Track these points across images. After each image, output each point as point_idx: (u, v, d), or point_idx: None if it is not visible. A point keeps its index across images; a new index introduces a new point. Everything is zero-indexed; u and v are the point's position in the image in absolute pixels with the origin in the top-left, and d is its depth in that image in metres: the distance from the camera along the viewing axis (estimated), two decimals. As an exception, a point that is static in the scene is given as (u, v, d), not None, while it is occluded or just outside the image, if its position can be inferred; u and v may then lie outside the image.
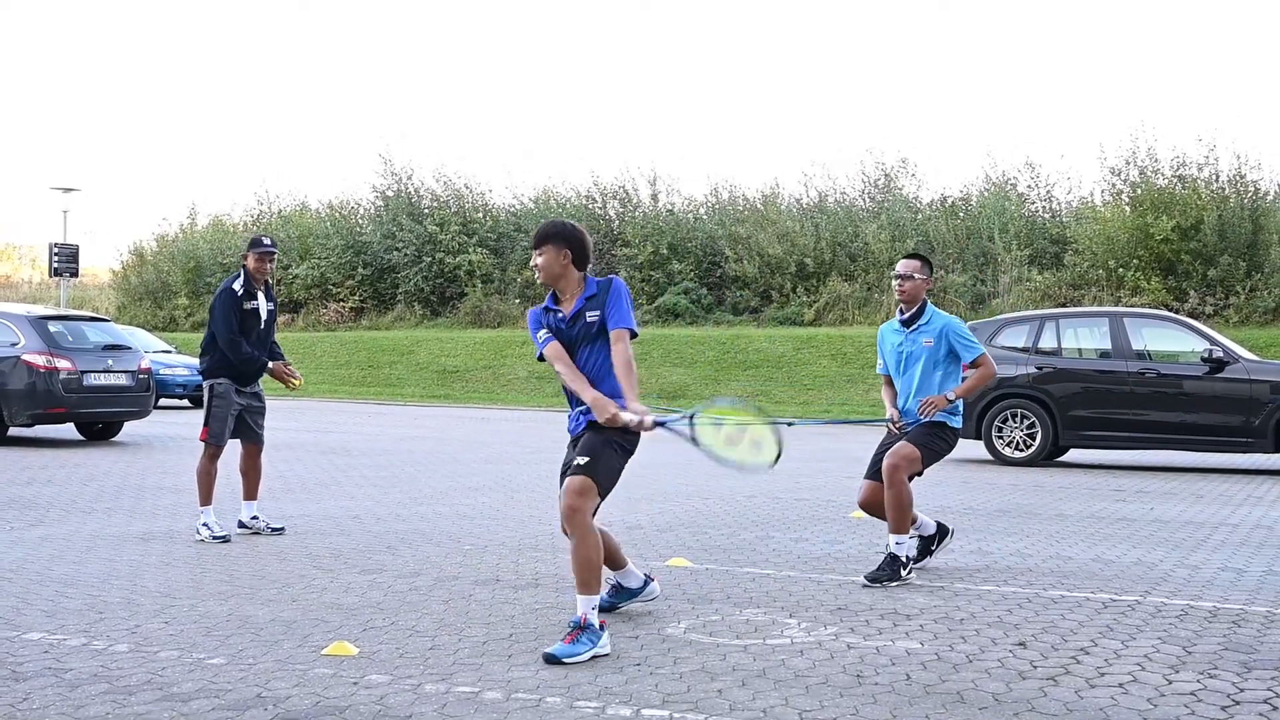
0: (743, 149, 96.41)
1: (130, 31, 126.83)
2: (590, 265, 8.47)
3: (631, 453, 8.51)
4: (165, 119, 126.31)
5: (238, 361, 12.39)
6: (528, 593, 9.67)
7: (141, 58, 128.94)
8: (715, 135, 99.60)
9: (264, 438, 12.91)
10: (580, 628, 7.76)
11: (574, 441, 8.62)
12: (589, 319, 8.30)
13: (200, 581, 9.98)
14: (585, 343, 8.35)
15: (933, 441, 10.64)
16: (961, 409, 10.85)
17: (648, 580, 9.17)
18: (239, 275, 12.64)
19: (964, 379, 10.76)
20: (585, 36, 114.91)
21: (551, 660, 7.55)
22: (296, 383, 12.99)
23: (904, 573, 10.31)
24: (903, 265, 10.90)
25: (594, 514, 8.18)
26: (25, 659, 7.43)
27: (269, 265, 12.74)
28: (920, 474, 10.76)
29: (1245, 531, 13.55)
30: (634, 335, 8.35)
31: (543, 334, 8.40)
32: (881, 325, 11.21)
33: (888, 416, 10.90)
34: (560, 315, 8.37)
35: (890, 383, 11.05)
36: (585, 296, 8.34)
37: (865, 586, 10.14)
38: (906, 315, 10.86)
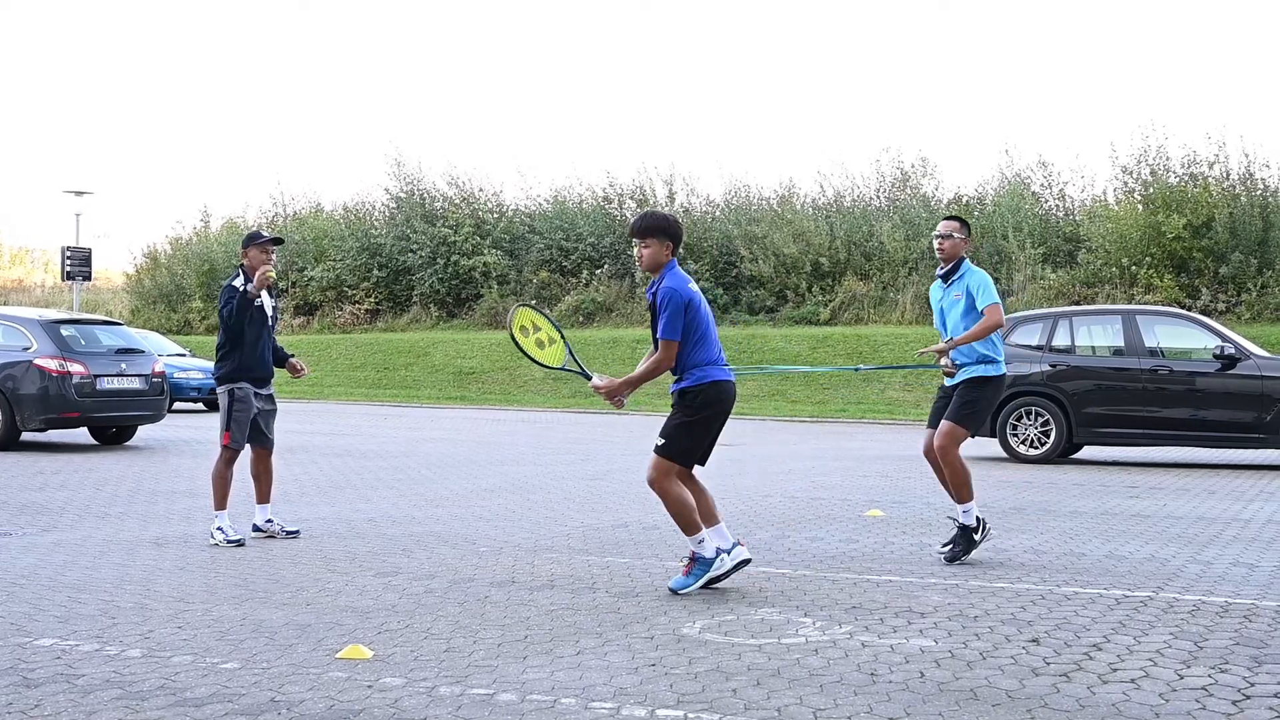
0: (759, 149, 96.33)
1: (142, 34, 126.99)
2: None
3: (704, 414, 9.69)
4: (178, 121, 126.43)
5: (228, 313, 12.35)
6: (543, 594, 9.67)
7: (153, 60, 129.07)
8: (731, 135, 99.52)
9: (274, 440, 12.93)
10: (693, 560, 9.62)
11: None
12: (649, 297, 9.76)
13: (214, 586, 10.00)
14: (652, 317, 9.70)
15: (971, 406, 11.28)
16: (1000, 356, 11.45)
17: (736, 544, 9.91)
18: (238, 274, 12.65)
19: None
20: (601, 37, 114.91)
21: (672, 591, 9.50)
22: (303, 372, 13.09)
23: (978, 538, 11.20)
24: (943, 226, 11.62)
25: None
26: (37, 665, 7.44)
27: (268, 257, 12.70)
28: (974, 435, 11.82)
29: (1257, 527, 13.54)
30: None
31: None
32: (931, 284, 11.93)
33: (942, 364, 11.53)
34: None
35: (940, 335, 11.80)
36: (655, 281, 9.67)
37: (947, 563, 11.07)
38: (944, 270, 11.61)
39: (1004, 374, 11.52)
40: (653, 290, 9.66)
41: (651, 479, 9.64)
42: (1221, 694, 6.86)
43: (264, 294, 12.63)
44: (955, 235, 11.51)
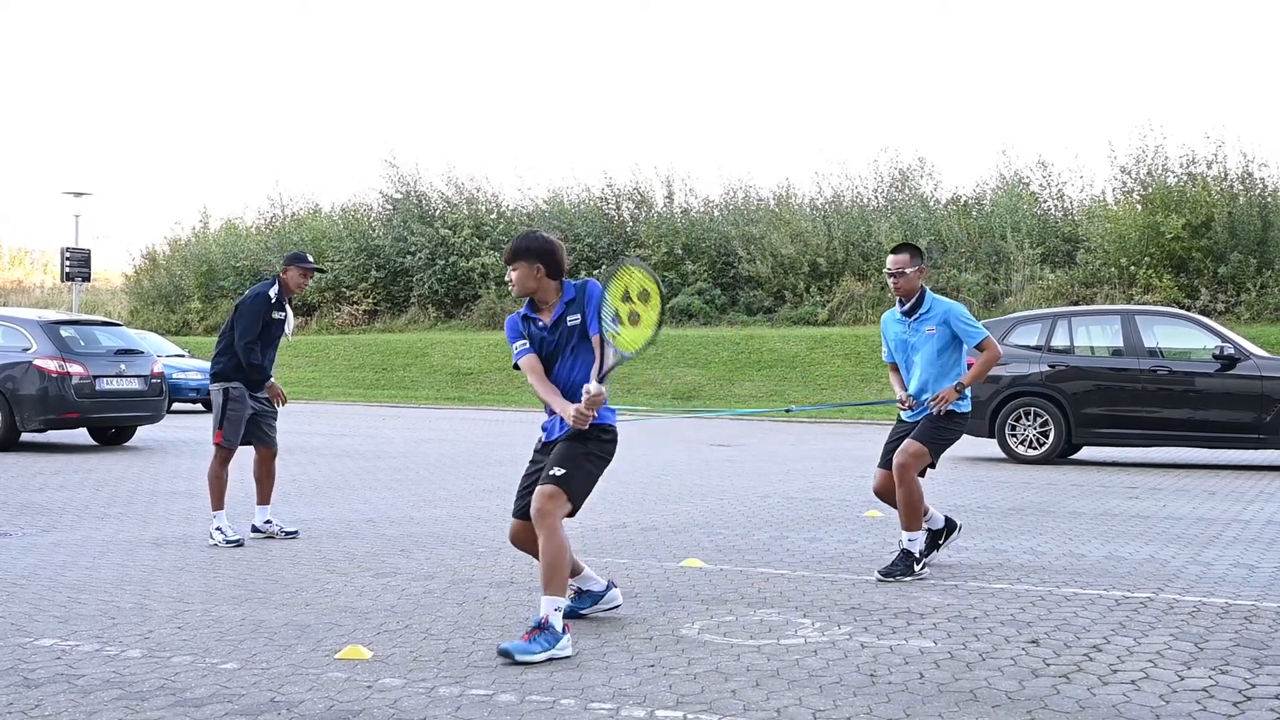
0: (757, 149, 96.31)
1: (140, 35, 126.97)
2: (564, 273, 8.52)
3: (607, 460, 8.45)
4: (176, 122, 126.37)
5: (246, 365, 12.42)
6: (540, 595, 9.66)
7: (151, 61, 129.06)
8: (730, 135, 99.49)
9: (277, 441, 12.93)
10: (540, 628, 7.75)
11: (546, 447, 8.51)
12: (570, 323, 8.38)
13: (213, 586, 10.00)
14: (569, 347, 8.40)
15: (939, 433, 10.71)
16: (969, 393, 10.92)
17: (610, 586, 9.03)
18: (274, 283, 12.67)
19: (970, 365, 10.91)
20: (600, 37, 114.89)
21: (505, 655, 7.60)
22: (280, 404, 13.03)
23: (917, 568, 10.45)
24: (891, 261, 10.85)
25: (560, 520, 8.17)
26: (37, 665, 7.45)
27: (308, 282, 12.81)
28: (933, 465, 10.87)
29: (1257, 528, 13.54)
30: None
31: (520, 344, 8.44)
32: (884, 314, 11.24)
33: (898, 398, 10.97)
34: (541, 324, 8.42)
35: (896, 369, 11.17)
36: (564, 301, 8.41)
37: (879, 582, 10.25)
38: (906, 306, 10.87)
39: (969, 414, 11.04)
40: (559, 315, 8.41)
41: (542, 511, 8.13)
42: (1222, 695, 6.86)
43: (287, 309, 12.70)
44: (908, 270, 10.74)
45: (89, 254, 51.59)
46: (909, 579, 10.34)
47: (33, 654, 7.73)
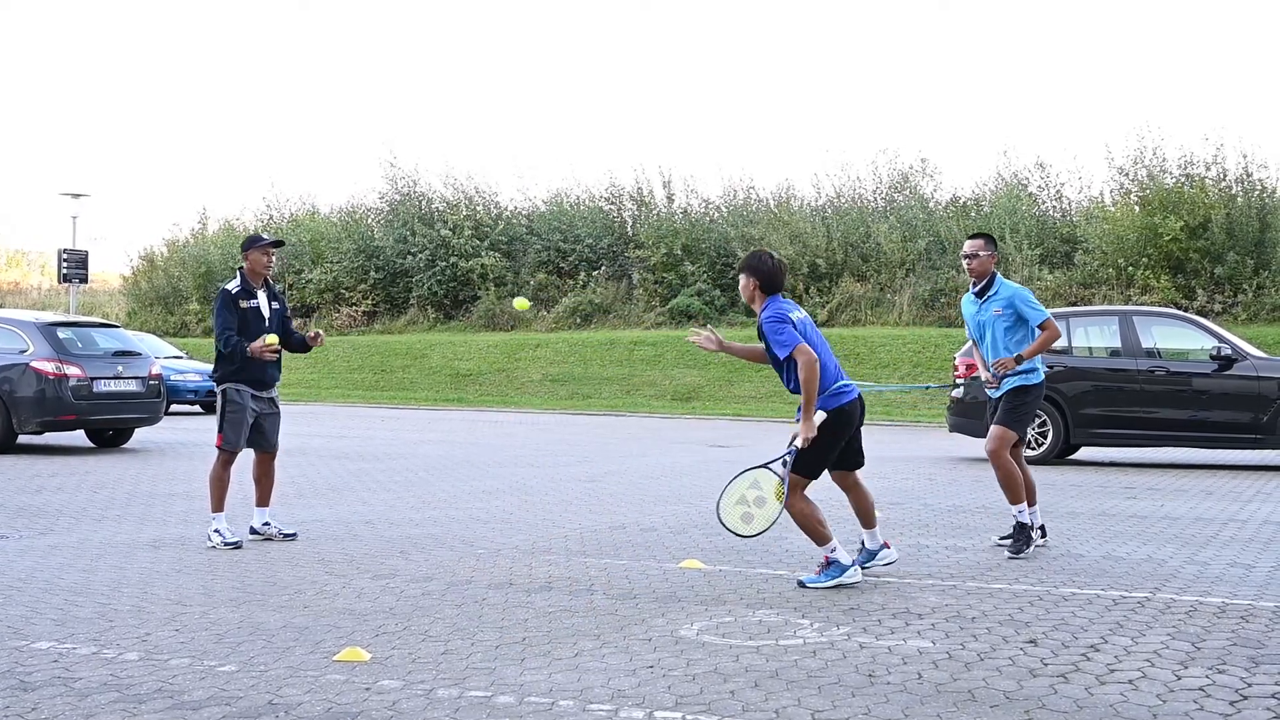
0: (758, 150, 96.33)
1: (137, 36, 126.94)
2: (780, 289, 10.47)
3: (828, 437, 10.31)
4: (174, 123, 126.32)
5: (225, 350, 12.39)
6: (541, 596, 9.67)
7: (149, 62, 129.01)
8: (730, 136, 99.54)
9: (278, 445, 12.92)
10: (824, 565, 10.14)
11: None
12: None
13: (212, 588, 10.00)
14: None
15: (1015, 411, 12.01)
16: (1039, 364, 12.24)
17: (884, 546, 10.70)
18: (234, 277, 12.70)
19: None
20: (600, 38, 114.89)
21: (801, 585, 10.04)
22: (272, 346, 12.81)
23: (1035, 535, 11.88)
24: (969, 245, 12.39)
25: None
26: (34, 668, 7.45)
27: (269, 259, 12.73)
28: (1022, 439, 12.22)
29: (1254, 528, 13.56)
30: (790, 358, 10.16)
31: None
32: (963, 296, 12.76)
33: (983, 378, 12.44)
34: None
35: (976, 346, 12.59)
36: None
37: (1010, 558, 11.45)
38: (978, 287, 12.37)
39: (1043, 380, 12.22)
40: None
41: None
42: (1219, 694, 6.88)
43: (260, 295, 12.64)
44: (982, 254, 12.23)
45: (86, 255, 51.54)
46: (1031, 549, 11.65)
47: (30, 657, 7.73)
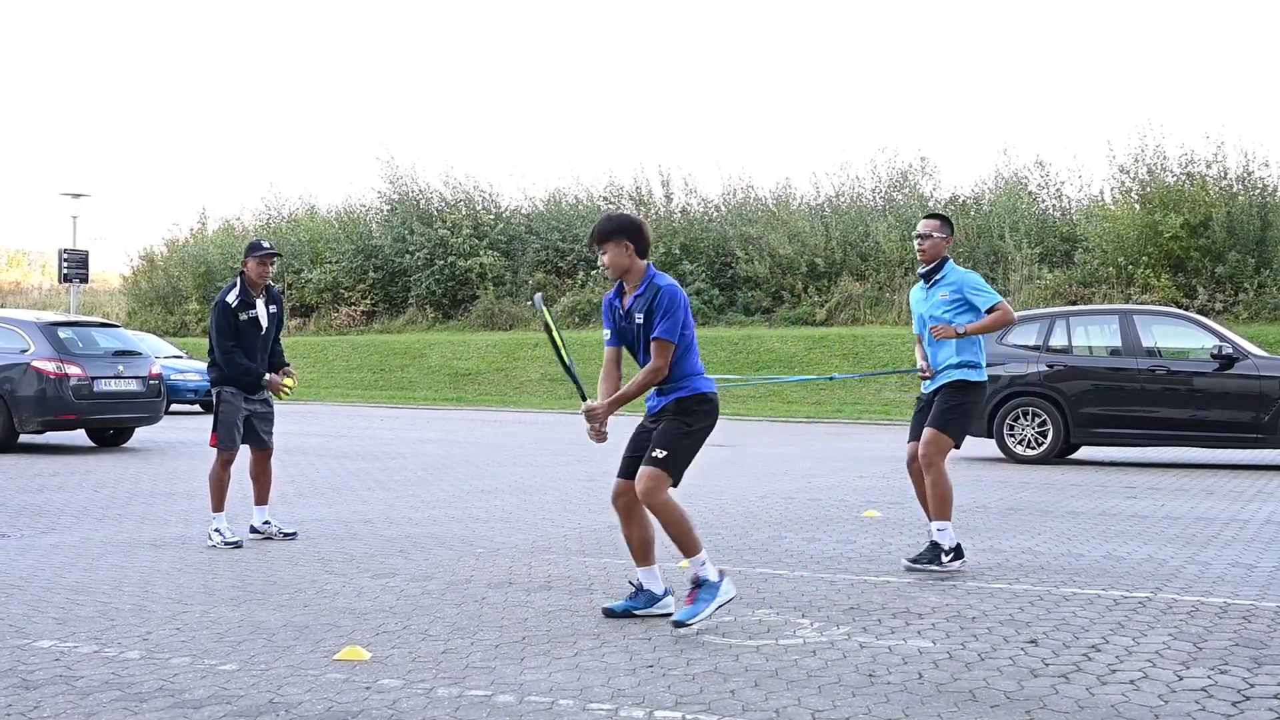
0: (757, 149, 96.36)
1: (137, 36, 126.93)
2: (648, 253, 8.96)
3: (709, 429, 8.96)
4: (174, 124, 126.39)
5: (234, 375, 12.41)
6: (540, 595, 9.67)
7: (150, 63, 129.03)
8: (729, 136, 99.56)
9: (273, 443, 12.91)
10: (696, 585, 8.62)
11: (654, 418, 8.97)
12: (637, 320, 8.81)
13: (212, 587, 9.99)
14: (641, 342, 8.90)
15: (952, 412, 10.76)
16: (983, 362, 10.96)
17: (667, 592, 9.04)
18: (235, 285, 12.62)
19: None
20: (599, 37, 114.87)
21: (679, 625, 8.45)
22: (288, 387, 12.86)
23: (945, 559, 10.64)
24: (923, 225, 11.13)
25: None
26: (36, 667, 7.44)
27: (269, 269, 12.71)
28: (957, 446, 10.94)
29: (1255, 527, 13.54)
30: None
31: (607, 333, 8.99)
32: (912, 288, 11.51)
33: (918, 367, 11.23)
34: (620, 312, 8.94)
35: (920, 341, 11.24)
36: (636, 295, 8.87)
37: (907, 569, 10.63)
38: (926, 270, 11.11)
39: (985, 382, 11.02)
40: (630, 306, 8.89)
41: (646, 491, 8.65)
42: (1221, 695, 6.87)
43: (259, 304, 12.62)
44: (935, 234, 11.02)
45: (87, 255, 51.58)
46: (936, 568, 10.59)
47: (31, 655, 7.72)
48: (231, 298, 12.50)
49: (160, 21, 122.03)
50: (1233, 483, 18.22)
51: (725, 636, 8.27)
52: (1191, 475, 19.36)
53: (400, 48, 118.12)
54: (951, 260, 11.15)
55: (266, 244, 12.77)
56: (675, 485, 8.76)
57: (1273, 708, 6.63)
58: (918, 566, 10.64)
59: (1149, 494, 16.65)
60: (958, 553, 10.78)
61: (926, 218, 11.21)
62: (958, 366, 10.81)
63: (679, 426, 8.76)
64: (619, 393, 8.85)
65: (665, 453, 8.66)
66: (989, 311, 10.81)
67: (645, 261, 8.90)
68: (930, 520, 10.81)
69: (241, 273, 12.70)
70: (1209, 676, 7.24)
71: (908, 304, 43.36)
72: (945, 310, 10.90)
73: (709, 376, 9.05)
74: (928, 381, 11.03)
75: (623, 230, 8.78)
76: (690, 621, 8.49)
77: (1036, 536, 12.80)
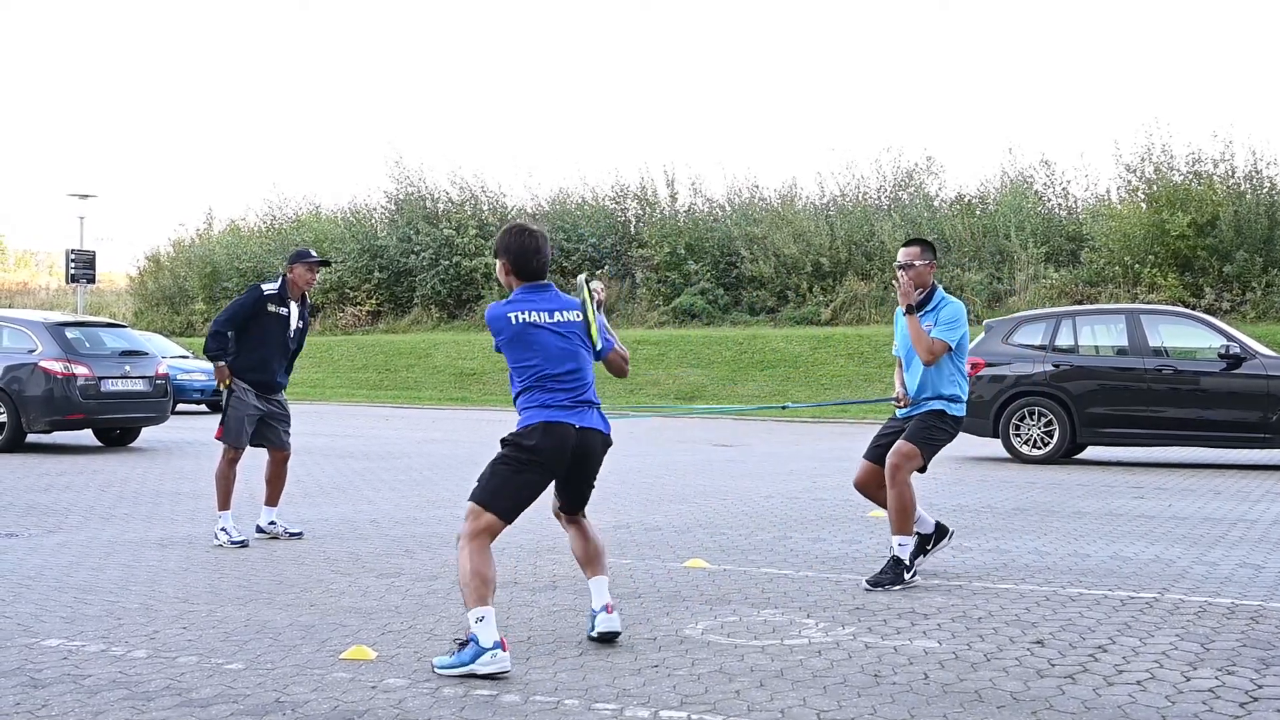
0: (762, 149, 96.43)
1: (144, 38, 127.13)
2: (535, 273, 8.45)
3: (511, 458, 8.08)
4: (180, 124, 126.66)
5: (207, 351, 12.48)
6: (545, 595, 9.68)
7: (156, 64, 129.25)
8: (734, 135, 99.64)
9: (290, 444, 12.92)
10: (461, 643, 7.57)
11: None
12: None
13: (218, 587, 10.00)
14: None
15: (931, 434, 10.34)
16: (965, 397, 10.53)
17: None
18: (278, 279, 12.70)
19: (968, 375, 10.69)
20: (604, 37, 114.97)
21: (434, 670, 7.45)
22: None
23: (907, 575, 10.14)
24: (903, 254, 10.54)
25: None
26: (44, 665, 7.46)
27: (313, 276, 12.74)
28: (923, 469, 10.51)
29: (1263, 527, 13.52)
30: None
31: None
32: (896, 309, 10.87)
33: (895, 394, 10.74)
34: None
35: (900, 364, 10.78)
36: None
37: (867, 590, 9.97)
38: (918, 299, 10.51)
39: (963, 418, 10.57)
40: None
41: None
42: (1228, 696, 6.86)
43: (292, 306, 12.66)
44: (918, 263, 10.45)
45: (94, 256, 51.67)
46: (898, 588, 10.01)
47: (39, 654, 7.73)
48: (269, 288, 12.53)
49: (166, 22, 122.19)
50: (1240, 483, 18.20)
51: (730, 636, 8.27)
52: (1198, 475, 19.34)
53: (406, 48, 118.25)
54: (941, 288, 10.60)
55: (315, 253, 12.82)
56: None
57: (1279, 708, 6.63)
58: (879, 589, 10.00)
59: (1156, 494, 16.63)
60: (913, 568, 10.31)
61: (906, 245, 10.64)
62: (941, 398, 10.43)
63: None
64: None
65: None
66: (935, 338, 10.27)
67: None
68: (891, 535, 10.29)
69: (285, 275, 12.72)
70: (1216, 677, 7.24)
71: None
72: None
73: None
74: (902, 409, 10.59)
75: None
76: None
77: (1043, 537, 12.80)
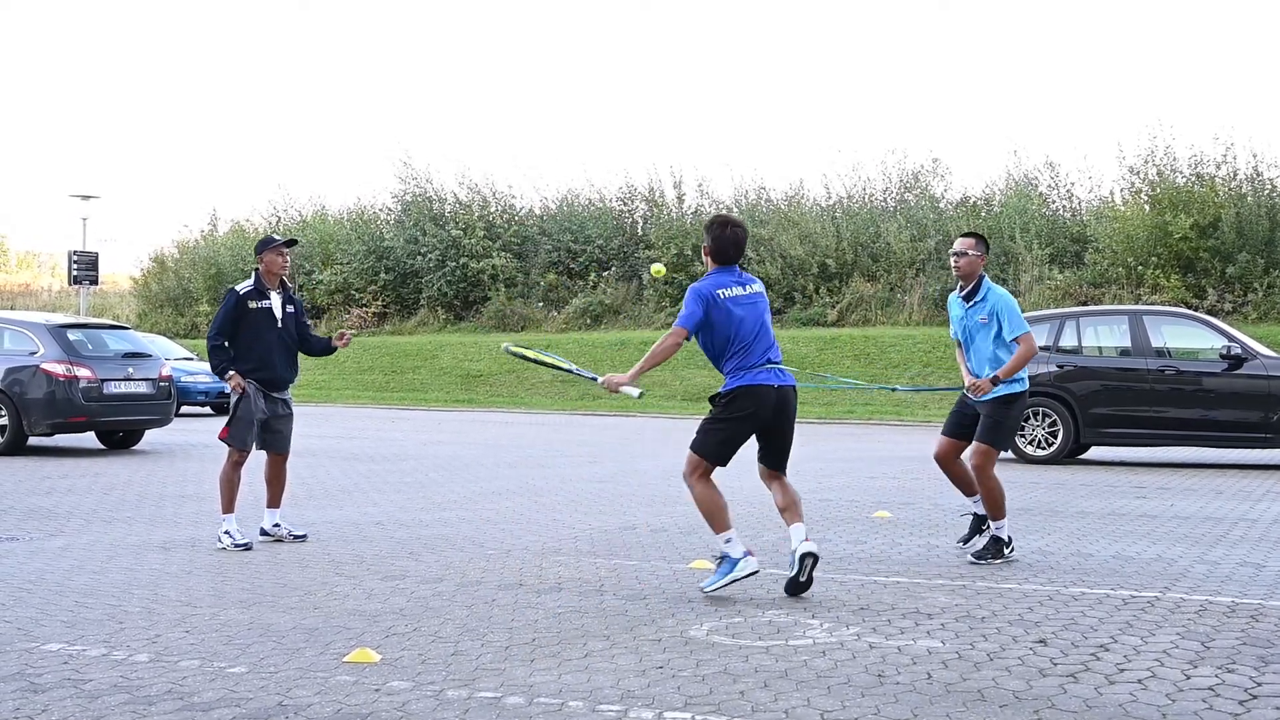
0: (769, 151, 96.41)
1: (147, 38, 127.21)
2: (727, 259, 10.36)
3: (722, 420, 10.01)
4: (184, 125, 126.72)
5: (213, 368, 12.55)
6: (551, 597, 9.68)
7: (159, 64, 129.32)
8: (741, 137, 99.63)
9: (290, 446, 12.92)
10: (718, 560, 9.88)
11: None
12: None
13: (222, 590, 10.00)
14: None
15: (999, 426, 11.40)
16: (1024, 371, 11.48)
17: (747, 554, 9.85)
18: (249, 277, 12.73)
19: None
20: (611, 39, 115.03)
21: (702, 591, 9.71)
22: (349, 335, 13.08)
23: (1006, 551, 11.37)
24: (959, 243, 11.67)
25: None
26: (44, 670, 7.46)
27: (284, 260, 12.73)
28: (1005, 450, 11.99)
29: (1264, 527, 13.54)
30: (687, 335, 10.00)
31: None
32: (950, 295, 12.02)
33: (966, 384, 11.64)
34: None
35: (960, 346, 11.90)
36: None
37: (971, 564, 11.21)
38: (965, 290, 11.67)
39: (1026, 388, 11.60)
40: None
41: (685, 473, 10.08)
42: (1228, 694, 6.87)
43: (273, 296, 12.65)
44: (970, 253, 11.55)
45: (97, 257, 51.69)
46: (999, 561, 11.23)
47: (40, 659, 7.74)
48: (242, 287, 12.56)
49: (170, 23, 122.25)
50: (1242, 482, 18.21)
51: (735, 637, 8.28)
52: (1200, 475, 19.35)
53: (412, 49, 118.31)
54: (988, 278, 11.60)
55: (278, 236, 12.82)
56: (711, 466, 9.98)
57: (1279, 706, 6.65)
58: (983, 562, 11.22)
59: (1158, 494, 16.64)
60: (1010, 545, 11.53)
61: (963, 236, 11.72)
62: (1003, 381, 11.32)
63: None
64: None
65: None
66: (1016, 340, 11.29)
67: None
68: (990, 520, 11.52)
69: (257, 269, 12.73)
70: (1216, 675, 7.25)
71: (919, 304, 43.84)
72: (979, 331, 11.51)
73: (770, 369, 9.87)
74: (975, 395, 11.50)
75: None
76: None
77: (1046, 536, 12.82)
